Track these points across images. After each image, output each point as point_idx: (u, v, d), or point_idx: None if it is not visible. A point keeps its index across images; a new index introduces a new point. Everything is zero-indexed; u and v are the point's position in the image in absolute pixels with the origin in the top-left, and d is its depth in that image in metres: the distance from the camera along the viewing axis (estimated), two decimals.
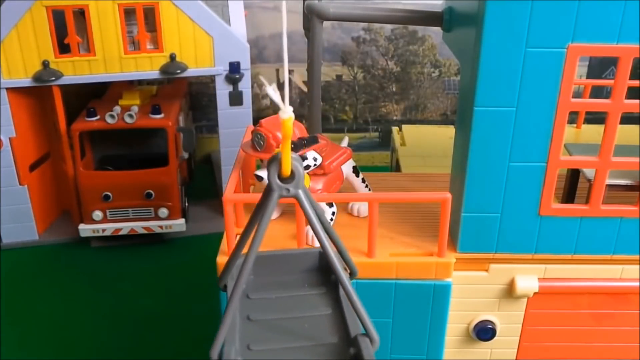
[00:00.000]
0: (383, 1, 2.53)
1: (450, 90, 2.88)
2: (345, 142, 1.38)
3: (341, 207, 1.33)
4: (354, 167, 1.34)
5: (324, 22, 1.37)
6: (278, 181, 0.74)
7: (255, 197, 1.31)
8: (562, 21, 1.01)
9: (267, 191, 0.75)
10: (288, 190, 0.74)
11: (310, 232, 1.21)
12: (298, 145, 1.16)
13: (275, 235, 1.25)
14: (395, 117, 2.92)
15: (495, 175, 1.12)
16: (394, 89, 2.87)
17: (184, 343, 1.81)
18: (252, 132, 1.18)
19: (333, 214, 1.25)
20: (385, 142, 2.93)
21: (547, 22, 1.01)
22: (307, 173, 1.22)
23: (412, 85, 2.86)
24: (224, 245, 1.20)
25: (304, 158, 1.18)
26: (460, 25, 1.19)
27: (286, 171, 0.73)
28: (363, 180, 1.35)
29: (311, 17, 1.32)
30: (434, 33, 2.75)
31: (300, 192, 0.75)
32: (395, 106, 2.90)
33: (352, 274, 0.89)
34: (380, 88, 2.87)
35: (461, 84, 1.17)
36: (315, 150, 1.19)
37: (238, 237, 1.21)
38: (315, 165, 1.20)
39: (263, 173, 1.18)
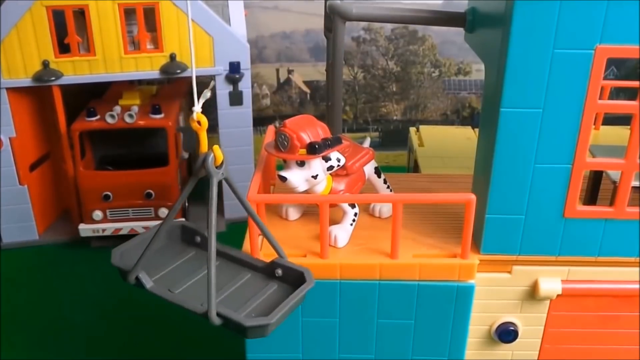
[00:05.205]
0: (383, 1, 2.52)
1: (450, 90, 2.88)
2: (367, 143, 1.37)
3: (362, 208, 1.32)
4: (375, 168, 1.33)
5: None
6: (215, 168, 0.98)
7: (277, 197, 1.31)
8: (590, 22, 1.00)
9: (208, 178, 0.98)
10: (223, 174, 0.99)
11: (334, 233, 1.20)
12: (322, 146, 1.14)
13: (298, 236, 1.25)
14: (395, 117, 2.93)
15: (521, 176, 1.11)
16: (394, 89, 2.87)
17: (184, 343, 1.80)
18: (276, 132, 1.17)
19: (355, 214, 1.24)
20: (385, 142, 2.93)
21: (575, 23, 1.00)
22: (330, 174, 1.22)
23: (412, 85, 2.86)
24: (246, 246, 1.19)
25: (327, 159, 1.17)
26: (485, 26, 1.19)
27: (219, 160, 0.98)
28: (385, 181, 1.35)
29: (334, 18, 1.32)
30: (434, 33, 2.76)
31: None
32: (395, 106, 2.90)
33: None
34: (381, 88, 2.87)
35: (486, 85, 1.16)
36: (338, 151, 1.19)
37: (260, 238, 1.21)
38: (338, 165, 1.19)
39: (287, 174, 1.17)
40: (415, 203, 1.31)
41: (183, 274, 1.10)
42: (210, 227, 0.97)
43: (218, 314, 0.95)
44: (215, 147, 0.99)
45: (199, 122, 0.99)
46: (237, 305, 1.02)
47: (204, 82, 2.71)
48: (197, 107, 0.99)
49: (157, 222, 2.17)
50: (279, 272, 1.10)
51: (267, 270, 1.11)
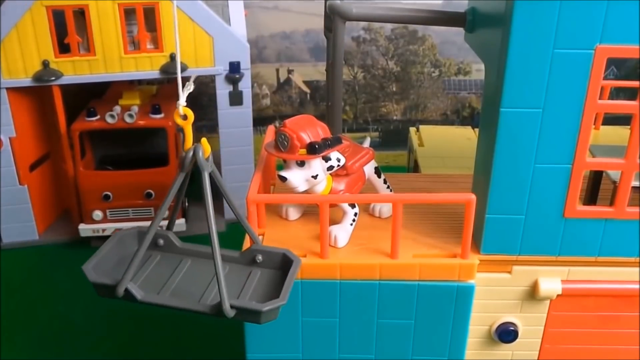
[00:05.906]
0: (383, 1, 2.52)
1: (450, 90, 2.88)
2: (367, 143, 1.37)
3: (362, 208, 1.32)
4: (375, 168, 1.33)
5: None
6: (205, 161, 0.97)
7: (277, 197, 1.31)
8: (590, 22, 1.00)
9: (200, 171, 0.98)
10: (211, 166, 0.99)
11: (334, 233, 1.20)
12: (322, 146, 1.14)
13: (298, 236, 1.25)
14: (395, 117, 2.93)
15: (521, 176, 1.11)
16: (394, 89, 2.87)
17: (184, 343, 1.81)
18: (276, 132, 1.17)
19: (355, 214, 1.24)
20: (385, 142, 2.93)
21: (575, 23, 1.00)
22: (330, 174, 1.22)
23: (412, 85, 2.86)
24: (246, 245, 1.19)
25: (327, 159, 1.17)
26: (485, 26, 1.19)
27: (207, 152, 0.98)
28: (385, 181, 1.34)
29: (334, 18, 1.32)
30: (434, 33, 2.76)
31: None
32: (395, 106, 2.90)
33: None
34: (380, 88, 2.87)
35: (486, 85, 1.16)
36: (338, 151, 1.19)
37: (260, 237, 1.21)
38: (338, 165, 1.19)
39: (287, 174, 1.17)
40: (415, 203, 1.31)
41: (161, 279, 1.09)
42: (210, 220, 0.97)
43: (231, 306, 0.95)
44: (204, 140, 0.99)
45: (184, 117, 0.99)
46: (233, 296, 1.02)
47: (204, 82, 2.71)
48: (182, 100, 0.99)
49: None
50: (260, 258, 1.11)
51: (246, 259, 1.12)
